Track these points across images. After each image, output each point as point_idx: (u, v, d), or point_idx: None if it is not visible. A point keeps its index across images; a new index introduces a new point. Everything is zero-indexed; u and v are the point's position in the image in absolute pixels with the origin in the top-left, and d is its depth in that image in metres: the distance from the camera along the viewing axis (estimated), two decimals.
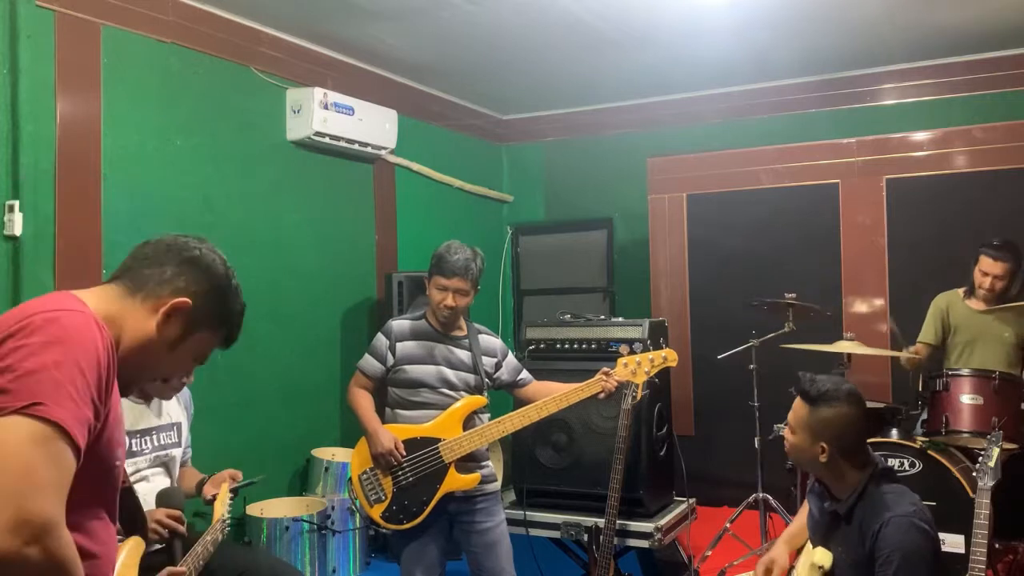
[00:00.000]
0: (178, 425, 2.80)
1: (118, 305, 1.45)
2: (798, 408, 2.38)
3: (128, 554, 1.61)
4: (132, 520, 1.78)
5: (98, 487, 1.38)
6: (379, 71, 5.25)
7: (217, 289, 1.53)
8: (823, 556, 2.36)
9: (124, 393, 1.52)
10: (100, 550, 1.39)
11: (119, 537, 1.66)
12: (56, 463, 1.20)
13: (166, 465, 2.73)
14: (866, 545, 2.22)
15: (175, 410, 2.81)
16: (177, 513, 2.38)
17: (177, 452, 2.78)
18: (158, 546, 2.35)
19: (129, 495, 1.76)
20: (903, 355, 4.29)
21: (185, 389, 2.92)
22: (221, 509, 2.60)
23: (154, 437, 2.69)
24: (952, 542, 3.52)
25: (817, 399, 2.33)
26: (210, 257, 1.55)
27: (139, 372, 1.49)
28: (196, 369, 2.77)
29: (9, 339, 1.26)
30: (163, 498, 2.43)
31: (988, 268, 4.08)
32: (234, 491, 2.79)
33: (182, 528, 2.37)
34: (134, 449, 2.62)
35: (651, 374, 3.23)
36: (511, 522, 3.37)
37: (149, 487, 2.60)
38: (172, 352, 1.49)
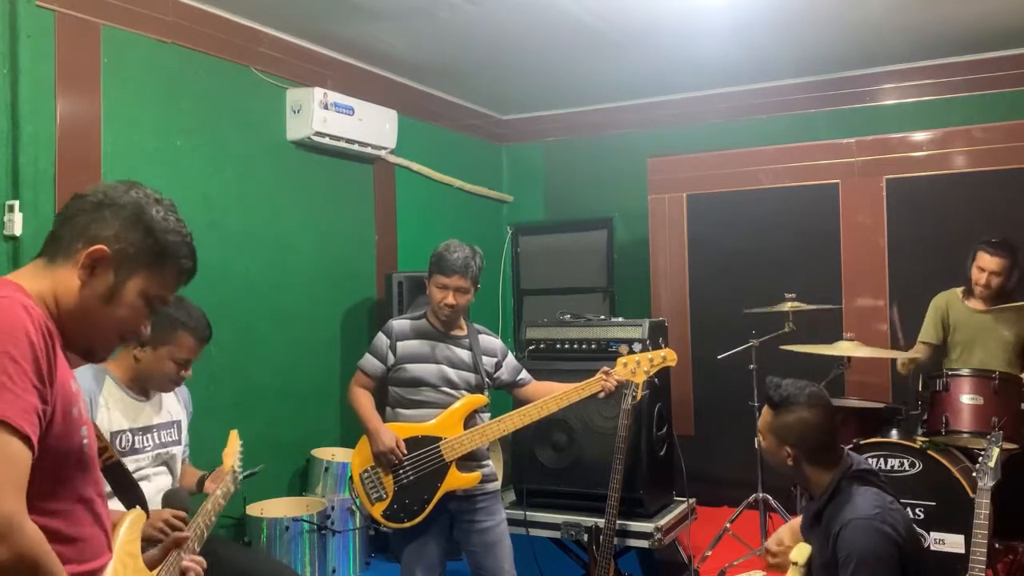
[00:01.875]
0: (178, 423, 2.80)
1: (43, 277, 1.39)
2: (764, 413, 2.44)
3: (129, 527, 1.58)
4: (128, 493, 1.75)
5: (69, 470, 1.34)
6: (379, 71, 5.25)
7: (137, 224, 1.41)
8: (799, 551, 2.39)
9: (93, 359, 1.48)
10: (85, 532, 1.37)
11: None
12: (5, 458, 1.17)
13: (168, 464, 2.73)
14: (830, 546, 2.23)
15: (175, 408, 2.81)
16: (183, 514, 2.37)
17: (178, 450, 2.78)
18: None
19: (118, 469, 1.73)
20: (901, 356, 4.28)
21: (184, 388, 2.91)
22: (231, 461, 2.58)
23: (155, 434, 2.69)
24: (952, 542, 3.53)
25: (780, 404, 2.38)
26: (120, 192, 1.43)
27: (90, 334, 1.42)
28: (196, 369, 2.80)
29: None
30: (169, 498, 2.43)
31: (985, 264, 4.07)
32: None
33: (186, 531, 2.37)
34: (136, 446, 2.62)
35: (651, 374, 3.24)
36: (511, 522, 3.37)
37: (152, 486, 2.60)
38: (112, 304, 1.40)
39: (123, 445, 2.58)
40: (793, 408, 2.35)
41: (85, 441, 1.37)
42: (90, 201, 1.42)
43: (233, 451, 2.64)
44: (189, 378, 2.72)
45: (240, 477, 2.58)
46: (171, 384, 2.68)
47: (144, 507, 1.72)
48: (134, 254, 1.42)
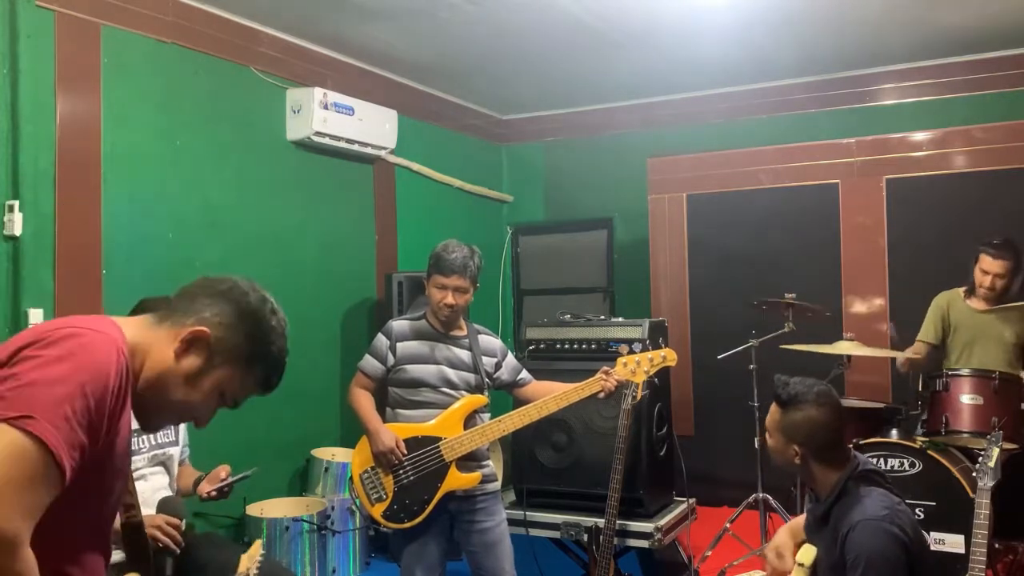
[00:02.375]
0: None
1: (145, 333, 1.41)
2: (772, 411, 2.41)
3: None
4: (137, 553, 1.74)
5: (89, 516, 1.35)
6: (379, 71, 5.25)
7: (246, 324, 1.45)
8: (805, 553, 2.38)
9: (147, 428, 1.49)
10: (76, 574, 1.36)
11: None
12: (32, 481, 1.17)
13: (164, 464, 2.74)
14: (838, 547, 2.23)
15: None
16: (176, 522, 2.38)
17: (175, 451, 2.78)
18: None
19: (137, 530, 1.73)
20: (900, 356, 4.28)
21: None
22: (248, 564, 2.57)
23: (151, 435, 2.69)
24: (952, 542, 3.53)
25: (788, 402, 2.35)
26: (244, 290, 1.47)
27: (158, 405, 1.43)
28: None
29: (28, 347, 1.24)
30: (164, 505, 2.43)
31: (988, 267, 4.07)
32: (228, 487, 2.75)
33: (178, 539, 2.37)
34: (132, 447, 2.62)
35: (650, 373, 3.23)
36: (511, 522, 3.37)
37: (147, 486, 2.60)
38: (191, 386, 1.42)
39: None
40: (801, 406, 2.33)
41: (114, 496, 1.39)
42: (217, 288, 1.46)
43: (252, 556, 2.62)
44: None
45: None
46: None
47: (147, 572, 1.70)
48: (231, 348, 1.44)
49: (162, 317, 1.44)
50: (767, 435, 2.44)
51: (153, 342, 1.41)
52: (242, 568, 2.52)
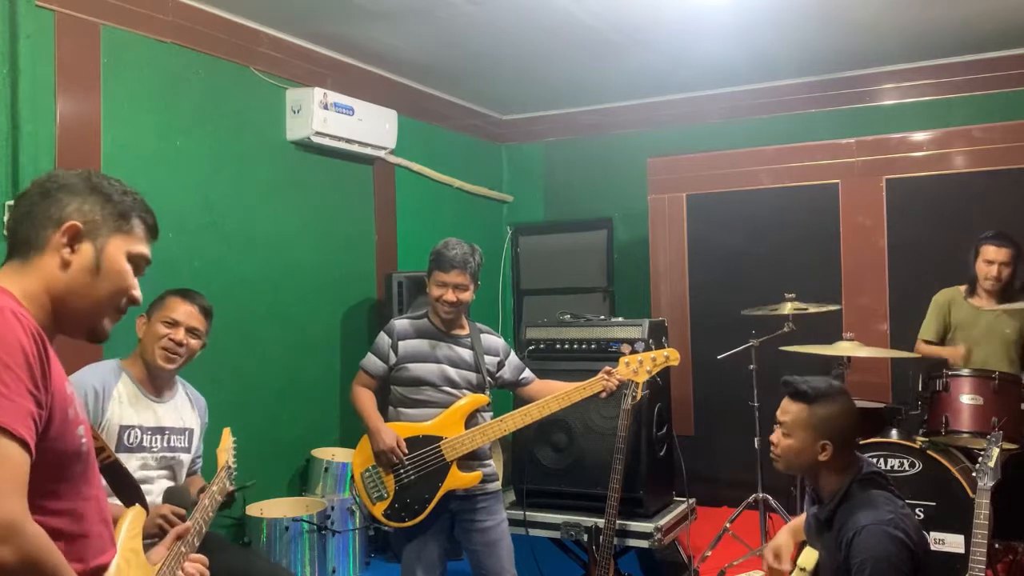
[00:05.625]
0: (190, 431, 2.82)
1: (26, 276, 1.41)
2: (796, 410, 2.36)
3: (130, 524, 1.61)
4: (127, 491, 1.78)
5: (69, 470, 1.37)
6: (379, 71, 5.25)
7: (91, 194, 1.47)
8: (806, 557, 2.38)
9: (100, 336, 1.49)
10: (88, 529, 1.40)
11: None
12: (3, 462, 1.19)
13: (172, 468, 2.74)
14: (842, 552, 2.22)
15: (189, 416, 2.83)
16: (181, 511, 2.38)
17: (186, 457, 2.79)
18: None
19: (115, 468, 1.76)
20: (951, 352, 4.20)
21: (200, 397, 2.92)
22: (224, 457, 2.60)
23: (166, 437, 2.71)
24: (952, 542, 3.53)
25: (816, 398, 2.34)
26: (61, 176, 1.50)
27: (89, 312, 1.45)
28: (196, 369, 2.81)
29: None
30: (170, 495, 2.44)
31: (993, 256, 4.08)
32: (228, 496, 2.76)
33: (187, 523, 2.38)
34: (144, 444, 2.65)
35: (653, 373, 3.24)
36: (511, 522, 3.37)
37: (152, 488, 2.61)
38: (100, 273, 1.44)
39: (131, 441, 2.60)
40: (834, 398, 2.34)
41: (83, 440, 1.40)
42: (37, 193, 1.46)
43: (226, 448, 2.64)
44: (190, 348, 2.72)
45: (234, 475, 2.58)
46: (166, 354, 2.67)
47: (144, 505, 1.73)
48: (102, 220, 1.46)
49: (23, 253, 1.43)
50: (785, 436, 2.38)
51: (39, 274, 1.41)
52: (220, 462, 2.56)
